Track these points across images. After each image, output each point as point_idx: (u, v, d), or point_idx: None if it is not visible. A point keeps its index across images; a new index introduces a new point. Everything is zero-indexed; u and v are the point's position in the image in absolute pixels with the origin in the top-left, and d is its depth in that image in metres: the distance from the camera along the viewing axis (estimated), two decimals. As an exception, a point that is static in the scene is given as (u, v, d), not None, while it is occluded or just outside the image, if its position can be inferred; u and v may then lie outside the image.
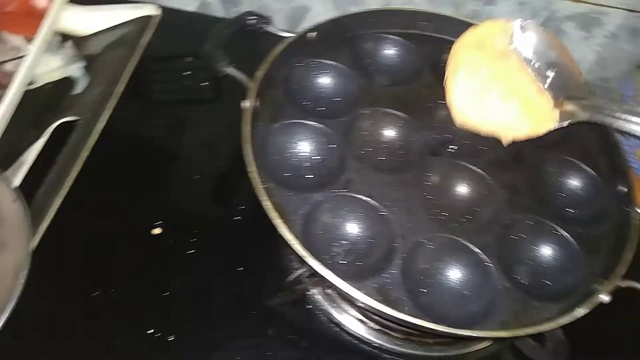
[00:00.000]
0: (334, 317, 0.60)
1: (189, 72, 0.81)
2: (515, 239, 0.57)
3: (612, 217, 0.59)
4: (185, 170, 0.70)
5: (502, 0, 0.86)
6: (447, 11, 0.87)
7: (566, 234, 0.57)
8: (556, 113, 0.60)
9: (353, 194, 0.56)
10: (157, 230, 0.63)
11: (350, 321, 0.60)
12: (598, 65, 0.93)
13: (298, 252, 0.49)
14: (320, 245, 0.54)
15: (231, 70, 0.61)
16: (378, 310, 0.48)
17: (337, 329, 0.60)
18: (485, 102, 0.61)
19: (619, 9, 0.84)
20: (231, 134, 0.74)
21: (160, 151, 0.72)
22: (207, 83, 0.81)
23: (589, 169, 0.62)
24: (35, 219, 0.51)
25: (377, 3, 0.89)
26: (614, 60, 0.92)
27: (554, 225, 0.57)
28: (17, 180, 0.55)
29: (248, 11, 0.67)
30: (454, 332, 0.47)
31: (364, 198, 0.56)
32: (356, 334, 0.60)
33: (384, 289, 0.51)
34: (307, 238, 0.53)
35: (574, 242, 0.56)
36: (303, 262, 0.53)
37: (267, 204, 0.51)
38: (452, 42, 0.64)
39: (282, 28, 0.69)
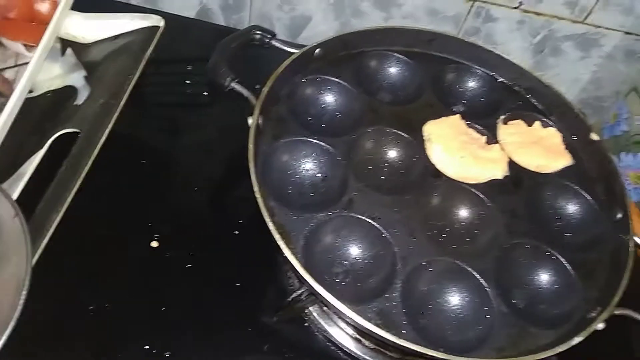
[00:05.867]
0: (331, 336, 0.60)
1: (188, 81, 0.80)
2: (513, 263, 0.57)
3: (608, 243, 0.60)
4: (184, 182, 0.70)
5: (502, 18, 0.87)
6: (448, 27, 0.88)
7: (562, 259, 0.57)
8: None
9: (355, 215, 0.56)
10: (154, 244, 0.62)
11: (346, 340, 0.60)
12: (593, 84, 0.95)
13: (300, 274, 0.49)
14: (321, 265, 0.54)
15: (236, 86, 0.60)
16: (377, 334, 0.48)
17: (334, 348, 0.60)
18: None
19: (617, 31, 0.86)
20: (230, 142, 0.74)
21: (158, 162, 0.71)
22: (206, 93, 0.80)
23: (586, 195, 0.62)
24: (35, 235, 0.50)
25: (378, 16, 0.89)
26: (608, 80, 0.93)
27: (551, 250, 0.58)
28: (16, 194, 0.54)
29: (253, 25, 0.66)
30: (452, 358, 0.48)
31: (366, 219, 0.56)
32: (353, 353, 0.60)
33: (383, 312, 0.52)
34: (308, 257, 0.53)
35: (570, 268, 0.57)
36: (303, 281, 0.54)
37: (270, 224, 0.51)
38: (454, 62, 0.64)
39: (282, 38, 0.69)
